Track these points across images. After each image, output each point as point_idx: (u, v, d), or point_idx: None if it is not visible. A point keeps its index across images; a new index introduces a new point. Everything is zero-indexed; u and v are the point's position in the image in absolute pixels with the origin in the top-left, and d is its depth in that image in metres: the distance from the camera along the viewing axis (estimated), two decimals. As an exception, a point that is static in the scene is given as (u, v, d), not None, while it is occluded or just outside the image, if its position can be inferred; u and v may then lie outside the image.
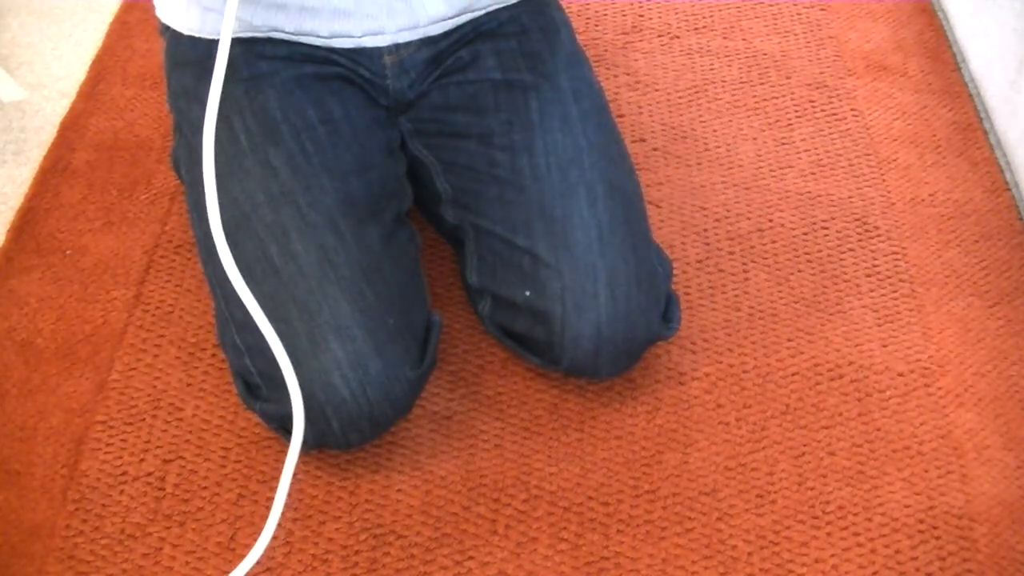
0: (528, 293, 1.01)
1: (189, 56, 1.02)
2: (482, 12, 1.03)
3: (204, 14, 0.99)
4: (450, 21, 1.02)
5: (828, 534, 1.01)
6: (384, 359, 0.93)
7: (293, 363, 0.91)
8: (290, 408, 0.94)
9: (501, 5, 1.03)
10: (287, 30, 0.98)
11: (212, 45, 0.99)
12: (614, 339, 1.00)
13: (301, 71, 0.99)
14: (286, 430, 0.98)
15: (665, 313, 1.06)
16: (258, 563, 0.96)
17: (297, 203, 0.96)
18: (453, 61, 1.05)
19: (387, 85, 1.05)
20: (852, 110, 1.42)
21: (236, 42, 0.99)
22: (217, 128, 0.89)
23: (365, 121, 1.03)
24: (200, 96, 1.00)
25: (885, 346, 1.16)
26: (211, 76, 1.00)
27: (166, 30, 1.05)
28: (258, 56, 0.99)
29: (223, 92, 0.98)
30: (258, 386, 0.98)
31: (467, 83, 1.05)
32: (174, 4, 1.02)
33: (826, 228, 1.28)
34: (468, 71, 1.04)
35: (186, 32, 1.01)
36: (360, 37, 0.99)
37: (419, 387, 0.99)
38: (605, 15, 1.55)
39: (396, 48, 1.02)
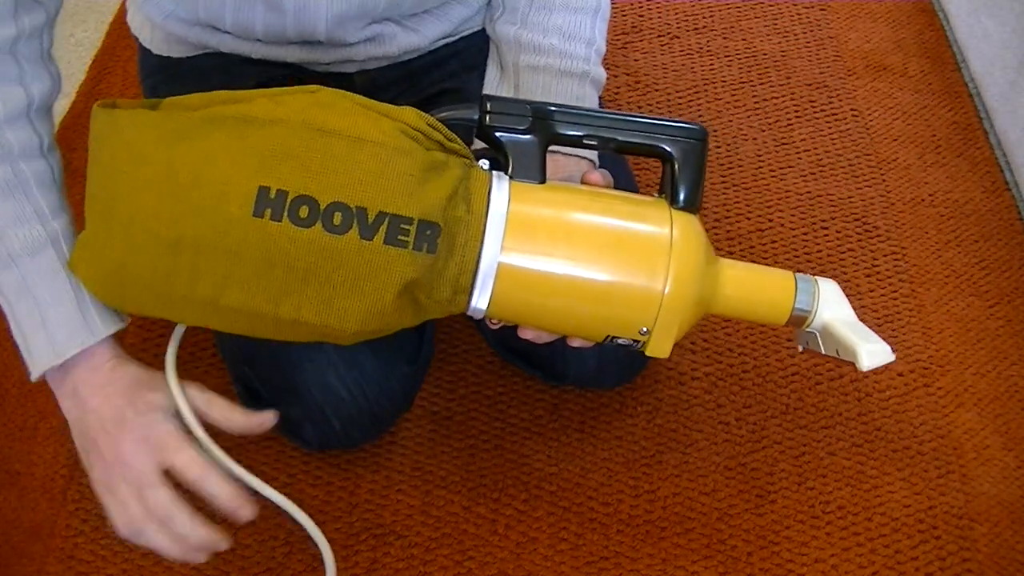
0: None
1: (156, 66, 1.02)
2: (457, 38, 1.01)
3: (167, 39, 0.99)
4: (425, 48, 1.00)
5: (828, 534, 1.01)
6: (378, 356, 0.93)
7: (288, 366, 0.91)
8: (291, 411, 0.94)
9: (475, 29, 1.01)
10: (254, 57, 0.97)
11: (179, 62, 0.99)
12: (617, 352, 0.99)
13: (273, 75, 0.98)
14: (291, 433, 0.98)
15: None
16: (258, 563, 0.96)
17: None
18: (437, 91, 1.03)
19: None
20: (852, 110, 1.42)
21: (208, 56, 0.98)
22: None
23: None
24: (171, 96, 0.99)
25: (885, 346, 1.16)
26: (178, 81, 0.99)
27: (136, 39, 1.05)
28: (231, 63, 0.98)
29: None
30: (257, 390, 0.98)
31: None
32: (141, 23, 1.01)
33: (826, 228, 1.28)
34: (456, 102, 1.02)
35: (153, 50, 1.01)
36: (328, 64, 0.98)
37: (418, 381, 0.99)
38: (605, 15, 1.55)
39: (366, 71, 1.00)
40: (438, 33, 0.98)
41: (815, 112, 1.42)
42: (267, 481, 1.02)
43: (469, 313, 0.73)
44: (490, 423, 1.07)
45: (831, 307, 0.76)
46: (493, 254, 0.69)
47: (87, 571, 0.95)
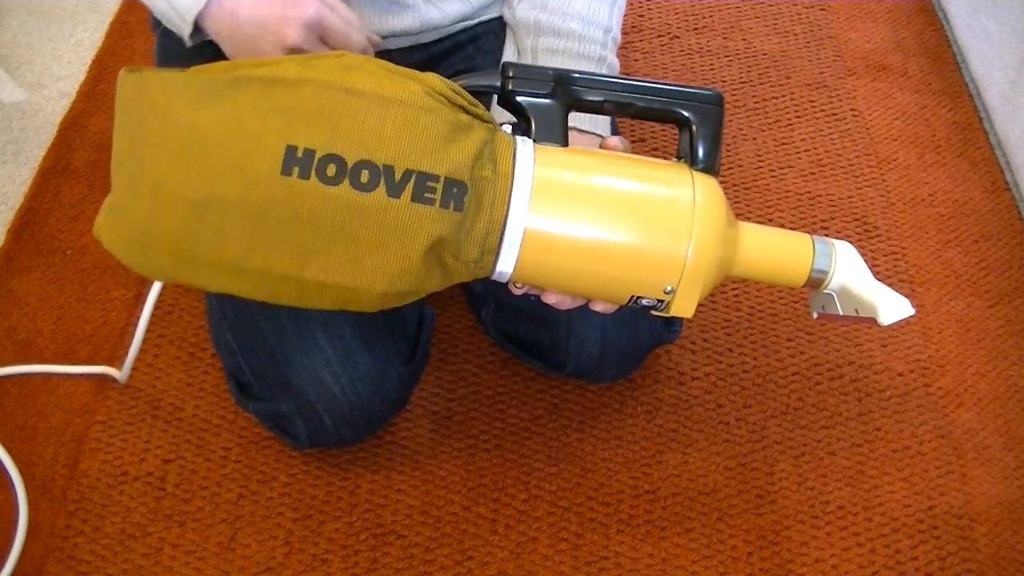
0: (533, 297, 1.01)
1: (179, 51, 1.02)
2: (475, 22, 1.03)
3: None
4: (444, 29, 1.02)
5: (828, 534, 1.01)
6: (373, 355, 0.93)
7: (283, 360, 0.91)
8: (282, 406, 0.94)
9: (494, 15, 1.03)
10: None
11: (202, 48, 0.99)
12: (619, 342, 1.00)
13: None
14: (281, 429, 0.98)
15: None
16: (258, 563, 0.96)
17: None
18: (451, 73, 1.04)
19: None
20: (852, 110, 1.42)
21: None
22: None
23: None
24: None
25: (885, 346, 1.16)
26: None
27: (158, 26, 1.04)
28: None
29: None
30: (250, 384, 0.98)
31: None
32: None
33: (826, 228, 1.28)
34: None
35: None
36: None
37: (412, 382, 0.99)
38: (605, 15, 1.55)
39: (388, 52, 1.01)
40: (458, 13, 0.99)
41: (815, 112, 1.42)
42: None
43: (494, 277, 0.73)
44: (490, 423, 1.07)
45: (848, 268, 0.77)
46: (520, 214, 0.70)
47: (87, 571, 0.95)
